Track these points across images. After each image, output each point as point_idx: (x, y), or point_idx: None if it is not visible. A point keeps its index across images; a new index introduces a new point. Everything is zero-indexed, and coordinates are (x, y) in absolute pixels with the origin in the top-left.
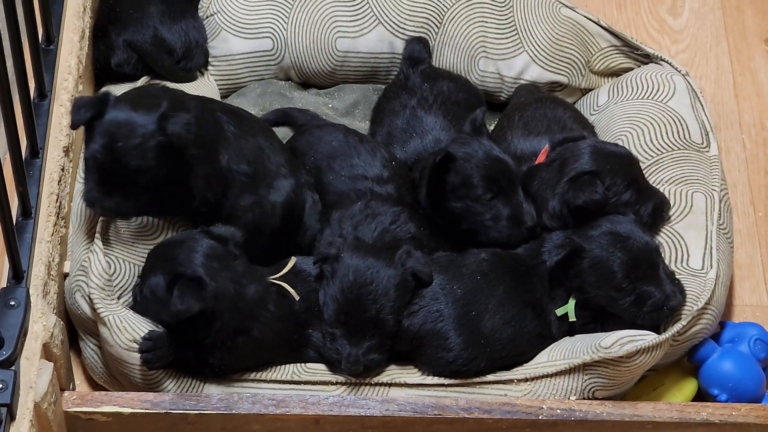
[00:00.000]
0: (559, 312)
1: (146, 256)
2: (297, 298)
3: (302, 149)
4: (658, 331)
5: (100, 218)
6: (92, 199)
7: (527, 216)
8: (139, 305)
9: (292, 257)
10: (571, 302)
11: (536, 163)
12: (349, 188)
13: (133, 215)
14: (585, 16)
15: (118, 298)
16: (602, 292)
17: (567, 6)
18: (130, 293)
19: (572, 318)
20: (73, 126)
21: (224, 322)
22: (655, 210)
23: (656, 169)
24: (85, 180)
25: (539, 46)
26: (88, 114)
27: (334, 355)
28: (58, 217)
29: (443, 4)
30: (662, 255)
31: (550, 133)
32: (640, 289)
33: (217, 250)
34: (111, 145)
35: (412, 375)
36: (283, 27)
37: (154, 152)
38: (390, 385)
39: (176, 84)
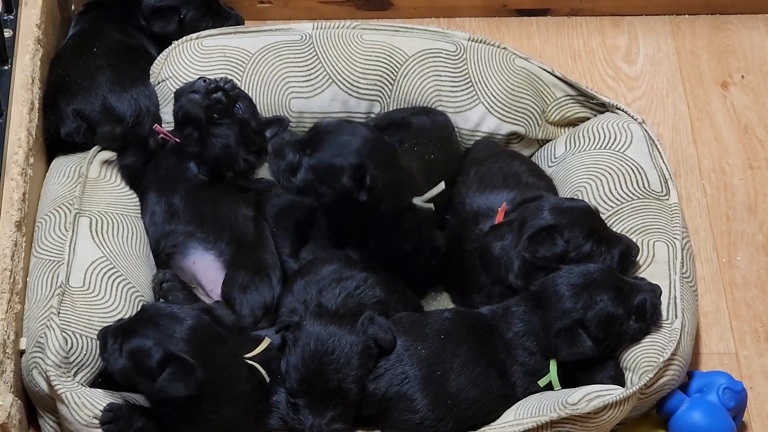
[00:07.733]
0: (542, 383)
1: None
2: (268, 379)
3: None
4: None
5: (56, 293)
6: None
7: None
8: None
9: (266, 337)
10: (553, 368)
11: (496, 222)
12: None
13: None
14: (539, 67)
15: (74, 375)
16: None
17: (521, 57)
18: (90, 365)
19: (557, 387)
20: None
21: (200, 405)
22: (622, 256)
23: (617, 219)
24: None
25: (494, 97)
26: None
27: (297, 426)
28: (12, 293)
29: (396, 60)
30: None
31: (505, 187)
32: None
33: (208, 331)
34: None
35: None
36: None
37: None
38: None
39: None
